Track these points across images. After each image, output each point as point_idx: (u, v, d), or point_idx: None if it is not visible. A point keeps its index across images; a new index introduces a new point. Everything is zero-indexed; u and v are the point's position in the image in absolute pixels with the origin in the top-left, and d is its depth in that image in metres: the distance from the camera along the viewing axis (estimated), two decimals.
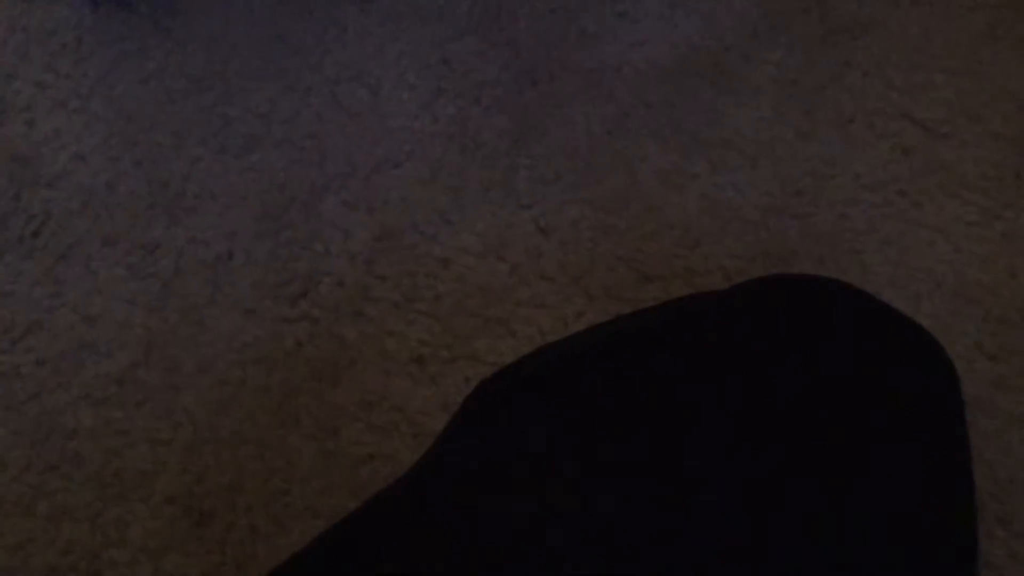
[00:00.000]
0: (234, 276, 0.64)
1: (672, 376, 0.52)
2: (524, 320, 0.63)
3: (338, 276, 0.64)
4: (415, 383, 0.62)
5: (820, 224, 0.66)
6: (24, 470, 0.59)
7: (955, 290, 0.65)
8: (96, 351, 0.62)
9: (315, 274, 0.64)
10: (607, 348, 0.53)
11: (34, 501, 0.58)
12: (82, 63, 0.70)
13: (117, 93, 0.69)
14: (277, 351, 0.62)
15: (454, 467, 0.47)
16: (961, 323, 0.64)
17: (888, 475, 0.51)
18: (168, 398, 0.61)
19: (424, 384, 0.62)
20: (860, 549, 0.48)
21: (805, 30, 0.72)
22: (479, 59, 0.70)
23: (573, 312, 0.63)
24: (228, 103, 0.69)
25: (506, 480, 0.45)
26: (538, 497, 0.45)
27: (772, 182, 0.67)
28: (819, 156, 0.68)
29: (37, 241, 0.66)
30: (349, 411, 0.61)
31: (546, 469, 0.46)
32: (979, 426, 0.62)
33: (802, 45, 0.72)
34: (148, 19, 0.71)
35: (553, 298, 0.64)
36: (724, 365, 0.53)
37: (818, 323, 0.55)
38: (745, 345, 0.54)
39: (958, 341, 0.63)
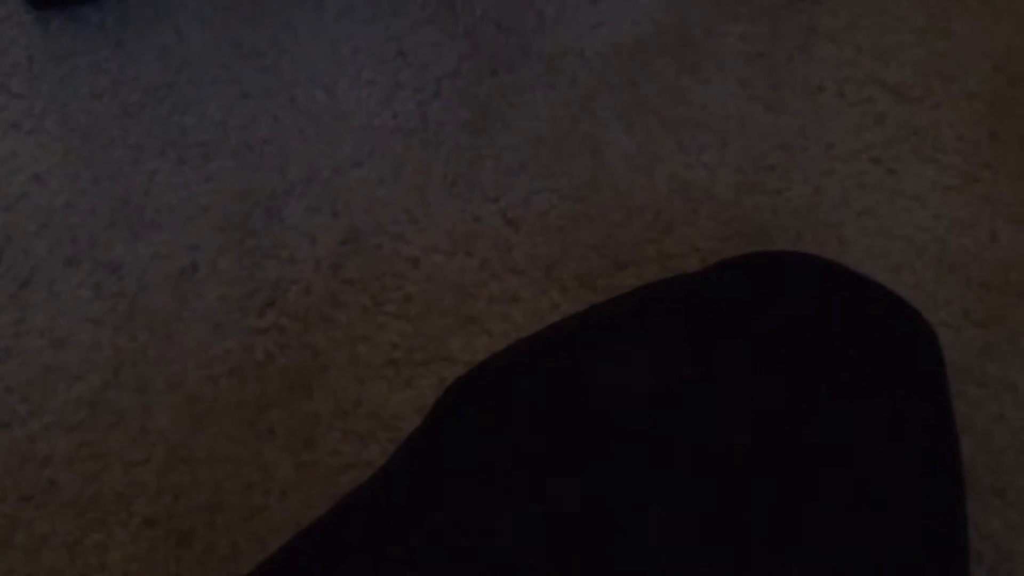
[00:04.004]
0: (200, 289, 0.63)
1: (646, 364, 0.51)
2: (497, 316, 0.62)
3: (305, 283, 0.63)
4: (390, 387, 0.60)
5: (794, 199, 0.64)
6: None
7: (937, 257, 0.63)
8: (66, 375, 0.61)
9: (282, 282, 0.63)
10: (577, 339, 0.52)
11: (11, 532, 0.57)
12: (34, 82, 0.68)
13: (71, 110, 0.67)
14: (248, 363, 0.61)
15: (422, 470, 0.46)
16: (945, 291, 0.63)
17: (873, 456, 0.50)
18: (141, 418, 0.60)
19: (399, 388, 0.60)
20: (846, 537, 0.47)
21: None
22: (437, 51, 0.68)
23: (547, 304, 0.62)
24: (184, 113, 0.67)
25: (473, 481, 0.44)
26: (506, 498, 0.43)
27: (743, 158, 0.65)
28: (789, 128, 0.66)
29: None
30: (324, 420, 0.60)
31: (513, 469, 0.45)
32: (970, 396, 0.60)
33: (766, 14, 0.70)
34: (99, 32, 0.70)
35: (526, 291, 0.62)
36: (699, 350, 0.51)
37: (795, 300, 0.54)
38: (720, 328, 0.52)
39: (943, 309, 0.62)
